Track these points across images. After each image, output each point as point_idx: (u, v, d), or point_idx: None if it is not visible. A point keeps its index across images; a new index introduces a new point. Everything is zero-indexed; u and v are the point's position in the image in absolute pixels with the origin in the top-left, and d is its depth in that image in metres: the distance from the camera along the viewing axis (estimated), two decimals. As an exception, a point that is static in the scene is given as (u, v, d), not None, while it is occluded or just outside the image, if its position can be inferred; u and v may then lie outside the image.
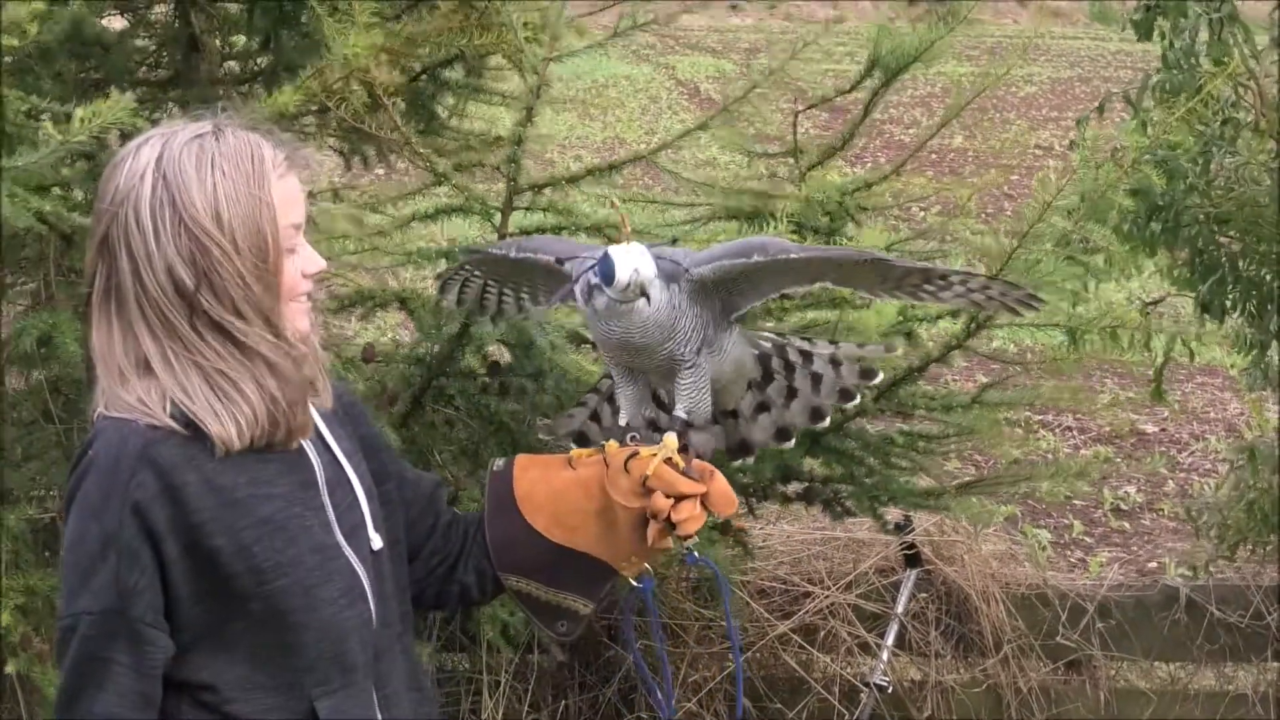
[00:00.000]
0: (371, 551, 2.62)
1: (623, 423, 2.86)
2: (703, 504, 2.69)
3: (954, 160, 15.98)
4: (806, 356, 2.96)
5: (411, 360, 4.11)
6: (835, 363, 2.96)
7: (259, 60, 4.55)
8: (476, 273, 3.14)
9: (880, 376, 3.02)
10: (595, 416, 3.05)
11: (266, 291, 2.46)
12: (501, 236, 4.10)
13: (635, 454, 2.72)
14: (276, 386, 2.46)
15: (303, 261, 2.53)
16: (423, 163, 4.07)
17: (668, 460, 2.68)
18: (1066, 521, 8.17)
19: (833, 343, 3.01)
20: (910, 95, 18.89)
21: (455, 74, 4.70)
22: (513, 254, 2.97)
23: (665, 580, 4.85)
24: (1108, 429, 9.51)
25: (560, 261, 2.83)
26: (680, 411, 2.79)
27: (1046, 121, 20.21)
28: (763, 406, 2.98)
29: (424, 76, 4.45)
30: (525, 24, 4.05)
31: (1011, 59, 4.59)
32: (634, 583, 2.82)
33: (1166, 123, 3.99)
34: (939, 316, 4.40)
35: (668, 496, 2.66)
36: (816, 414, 2.98)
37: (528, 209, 4.16)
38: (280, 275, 2.48)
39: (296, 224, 2.51)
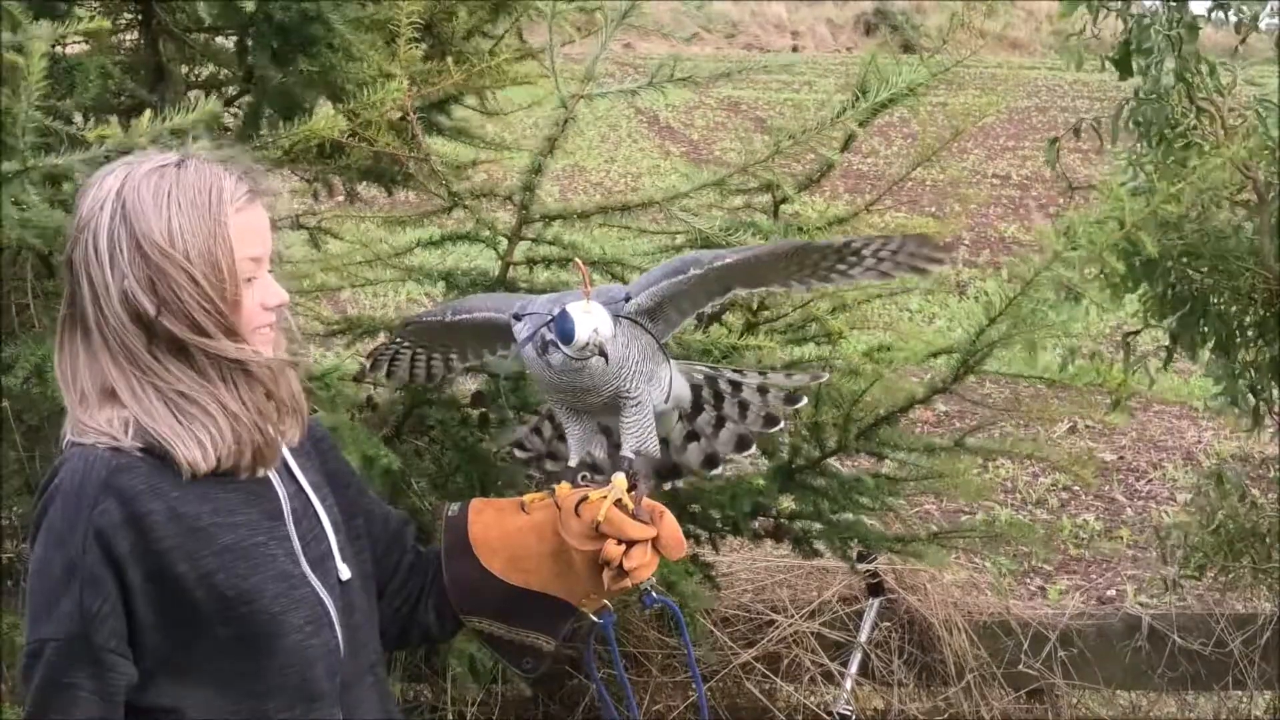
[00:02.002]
0: (339, 581, 2.62)
1: (572, 464, 2.87)
2: (654, 546, 2.69)
3: (912, 190, 16.03)
4: (736, 386, 2.99)
5: (397, 386, 4.12)
6: (763, 390, 2.99)
7: (226, 89, 4.54)
8: (405, 345, 3.19)
9: (804, 402, 3.03)
10: (538, 430, 3.09)
11: (229, 311, 2.48)
12: (507, 266, 4.14)
13: (585, 497, 2.72)
14: (239, 407, 2.47)
15: (262, 293, 2.54)
16: (439, 185, 4.08)
17: (617, 502, 2.69)
18: (1026, 549, 8.19)
19: (762, 373, 3.04)
20: (868, 124, 18.95)
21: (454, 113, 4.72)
22: (448, 318, 3.01)
23: (628, 607, 4.84)
24: (1065, 457, 9.53)
25: (517, 317, 2.84)
26: (628, 450, 2.80)
27: (1004, 151, 20.39)
28: (692, 436, 3.01)
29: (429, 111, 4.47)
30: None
31: (1005, 93, 4.59)
32: (594, 618, 2.82)
33: (1168, 193, 4.01)
34: (927, 356, 4.42)
35: (619, 542, 2.67)
36: (743, 443, 3.00)
37: (535, 240, 4.16)
38: (240, 300, 2.49)
39: (256, 256, 2.52)
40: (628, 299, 2.78)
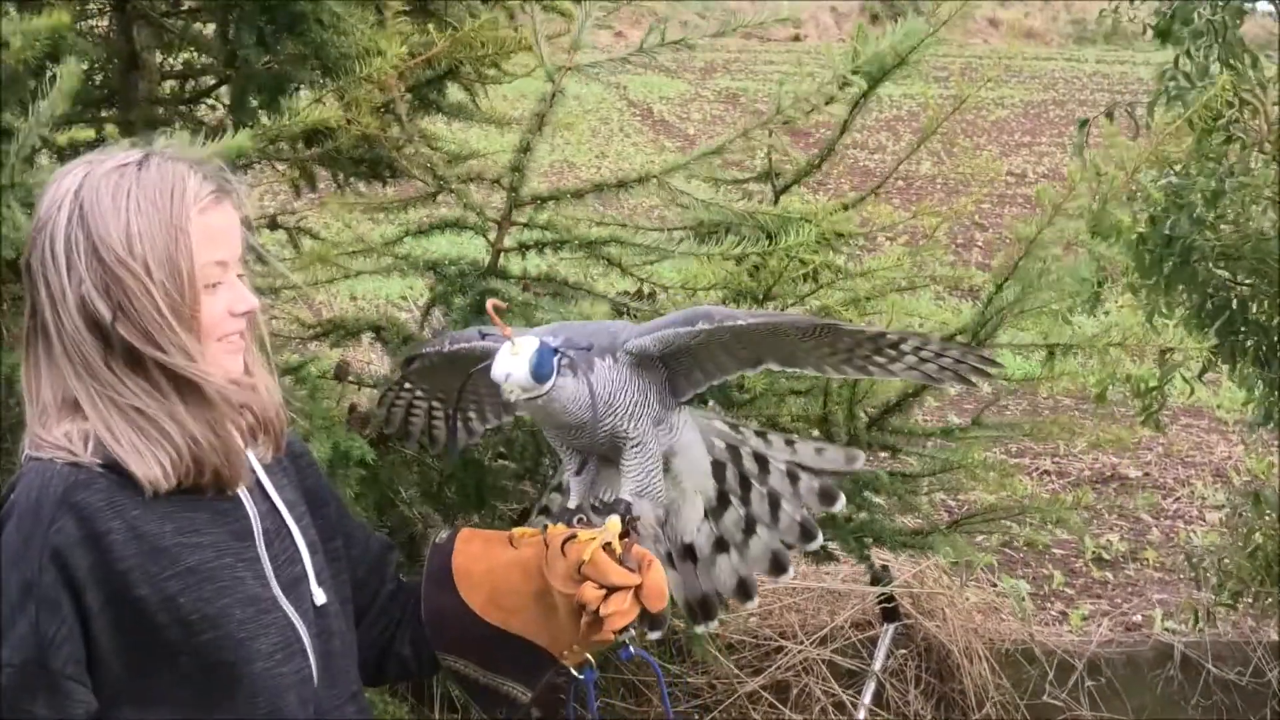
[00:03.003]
0: (314, 606, 2.60)
1: (571, 505, 2.86)
2: (636, 595, 2.66)
3: (922, 187, 16.06)
4: (762, 464, 2.96)
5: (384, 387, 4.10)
6: (793, 477, 2.96)
7: (203, 79, 4.53)
8: (418, 391, 3.20)
9: (842, 503, 3.00)
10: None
11: (183, 326, 2.45)
12: (498, 253, 4.09)
13: (574, 536, 2.70)
14: (197, 426, 2.44)
15: (230, 299, 2.52)
16: (424, 169, 4.06)
17: (606, 545, 2.66)
18: (1046, 572, 8.17)
19: (789, 443, 2.99)
20: (875, 119, 19.00)
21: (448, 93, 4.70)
22: (447, 347, 3.00)
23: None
24: (1087, 473, 9.53)
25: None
26: (627, 494, 2.79)
27: (1019, 147, 20.37)
28: (722, 544, 2.98)
29: (424, 89, 4.45)
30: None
31: (987, 75, 4.53)
32: (575, 673, 2.80)
33: (1167, 127, 4.00)
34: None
35: (600, 587, 2.65)
36: (777, 563, 2.98)
37: (526, 225, 4.13)
38: (198, 312, 2.47)
39: (221, 260, 2.50)
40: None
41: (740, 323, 2.74)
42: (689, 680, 5.12)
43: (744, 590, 2.99)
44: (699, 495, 2.94)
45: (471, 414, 3.21)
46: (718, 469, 2.95)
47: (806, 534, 2.97)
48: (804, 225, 4.17)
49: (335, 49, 3.91)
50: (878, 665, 5.34)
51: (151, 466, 2.41)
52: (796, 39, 35.68)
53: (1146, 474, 9.62)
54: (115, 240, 2.41)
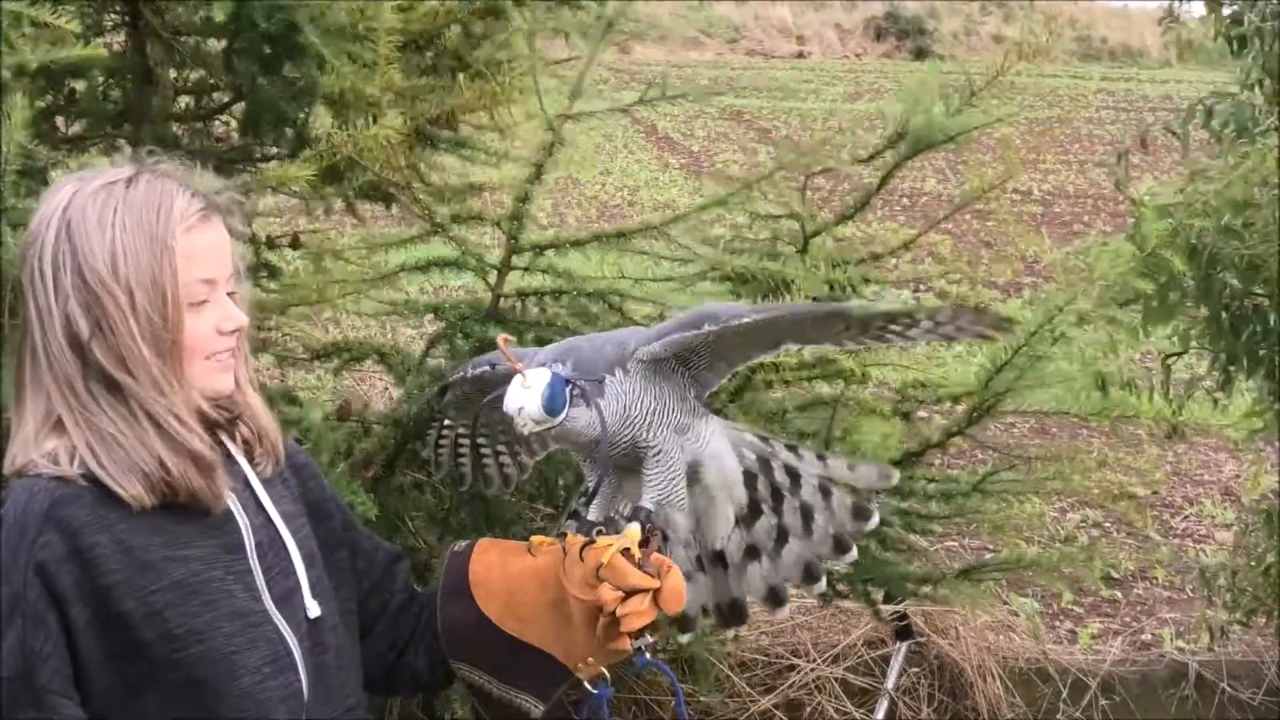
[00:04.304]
0: (308, 620, 2.60)
1: (592, 518, 2.85)
2: (654, 600, 2.66)
3: (927, 205, 16.04)
4: (794, 476, 2.94)
5: (389, 421, 4.07)
6: (825, 491, 2.94)
7: (216, 96, 4.52)
8: (460, 427, 3.19)
9: (876, 520, 2.97)
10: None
11: (158, 354, 2.45)
12: (497, 297, 4.09)
13: (592, 542, 2.70)
14: (165, 453, 2.45)
15: (218, 317, 2.53)
16: (421, 210, 4.05)
17: (625, 552, 2.66)
18: (1055, 590, 8.15)
19: (820, 457, 2.98)
20: (882, 137, 18.95)
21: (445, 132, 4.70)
22: (469, 372, 3.01)
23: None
24: (1095, 491, 9.50)
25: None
26: (647, 502, 2.78)
27: (1024, 164, 20.36)
28: (753, 552, 2.96)
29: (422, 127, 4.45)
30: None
31: (1024, 102, 4.54)
32: (589, 687, 2.79)
33: (1195, 209, 3.99)
34: (939, 400, 4.40)
35: (618, 589, 2.64)
36: (810, 573, 2.95)
37: (526, 269, 4.13)
38: (180, 332, 2.47)
39: (208, 278, 2.50)
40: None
41: (746, 320, 2.72)
42: (700, 699, 5.10)
43: (775, 597, 2.97)
44: (730, 503, 2.93)
45: (519, 448, 3.20)
46: (749, 479, 2.93)
47: (840, 547, 2.94)
48: (835, 271, 4.19)
49: (323, 88, 3.92)
50: (890, 683, 5.33)
51: (134, 485, 2.42)
52: (801, 55, 35.77)
53: (1155, 492, 9.61)
54: (100, 259, 2.42)
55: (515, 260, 4.10)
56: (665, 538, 2.83)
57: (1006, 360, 4.08)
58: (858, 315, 2.78)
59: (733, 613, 2.99)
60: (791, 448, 2.97)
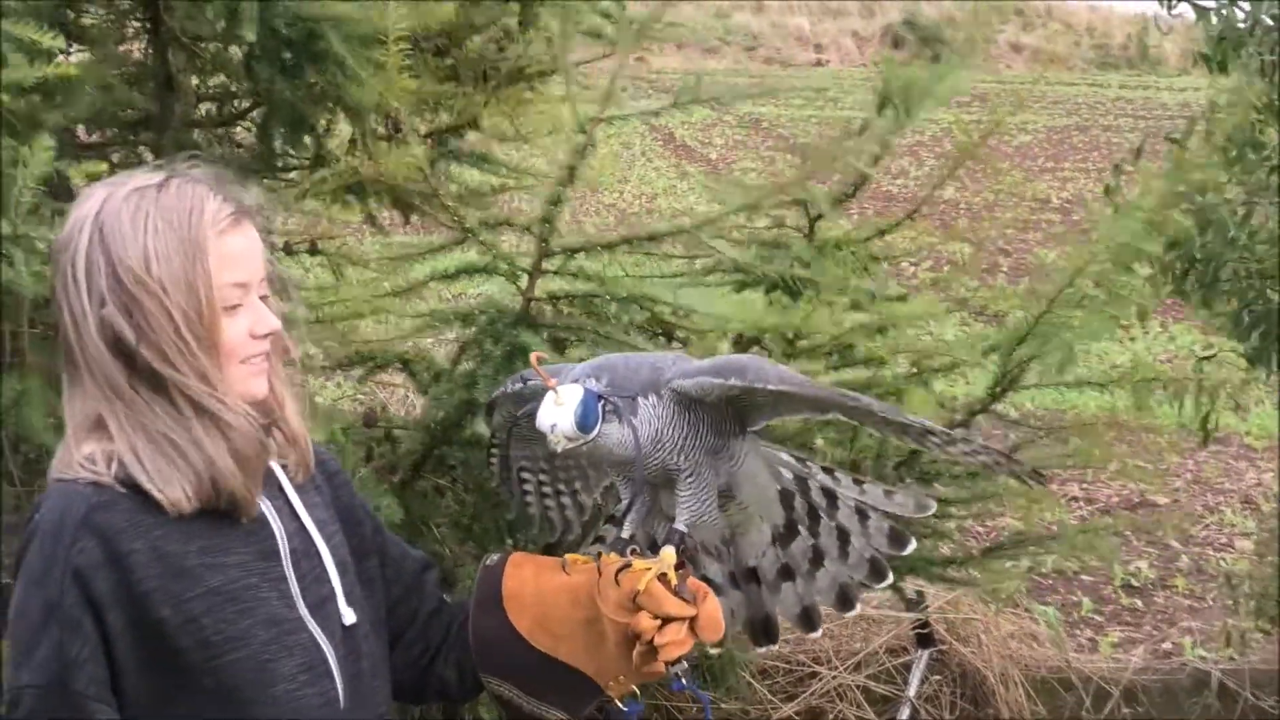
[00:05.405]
0: (343, 627, 2.59)
1: (625, 535, 2.82)
2: (690, 627, 2.63)
3: (945, 212, 16.02)
4: (831, 498, 2.91)
5: (417, 427, 4.06)
6: (862, 515, 2.91)
7: (238, 103, 4.53)
8: (520, 460, 3.15)
9: (913, 546, 2.93)
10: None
11: (201, 348, 2.45)
12: (528, 300, 4.07)
13: (628, 565, 2.68)
14: (214, 450, 2.45)
15: (251, 321, 2.52)
16: (450, 217, 4.04)
17: (662, 576, 2.64)
18: (1075, 598, 8.14)
19: (857, 482, 2.94)
20: (898, 144, 18.95)
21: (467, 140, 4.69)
22: (509, 388, 2.99)
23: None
24: (1115, 499, 9.51)
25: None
26: (680, 524, 2.77)
27: (1043, 172, 20.37)
28: (787, 573, 2.93)
29: (444, 135, 4.45)
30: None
31: (1043, 110, 4.52)
32: (620, 705, 2.76)
33: (1194, 157, 3.97)
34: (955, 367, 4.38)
35: (655, 617, 2.62)
36: (844, 597, 2.91)
37: (557, 273, 4.09)
38: (216, 334, 2.47)
39: (240, 282, 2.50)
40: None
41: (769, 388, 2.70)
42: (722, 706, 5.10)
43: (809, 619, 2.92)
44: (766, 522, 2.91)
45: (577, 484, 3.17)
46: (785, 497, 2.91)
47: (877, 572, 2.90)
48: (839, 253, 4.17)
49: (347, 94, 3.92)
50: (912, 691, 5.33)
51: (174, 488, 2.41)
52: (819, 64, 35.78)
53: (1175, 500, 9.60)
54: (134, 261, 2.42)
55: (545, 265, 4.06)
56: (694, 560, 2.81)
57: (1029, 329, 4.05)
58: (893, 424, 2.77)
59: (765, 630, 2.95)
60: (828, 470, 2.94)
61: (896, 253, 4.69)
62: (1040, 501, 4.89)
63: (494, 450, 3.22)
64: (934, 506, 2.93)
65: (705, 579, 2.78)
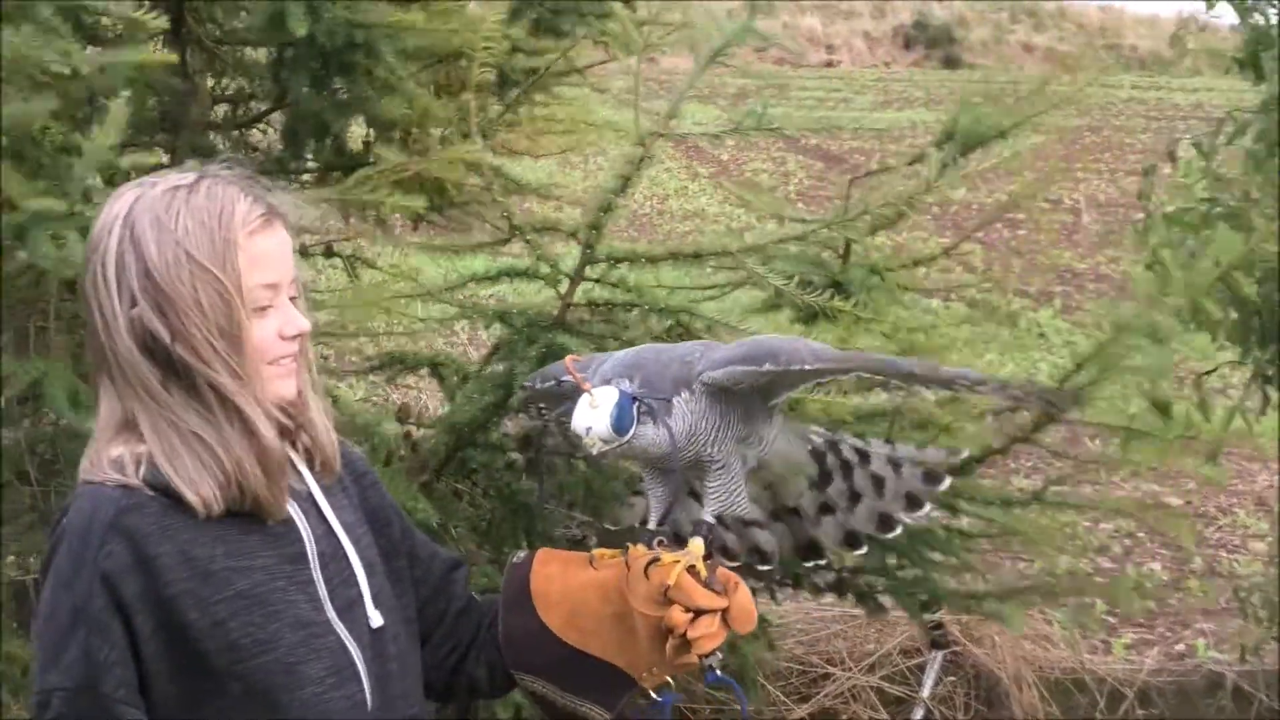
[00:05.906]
0: (370, 629, 2.59)
1: (651, 525, 2.82)
2: (723, 618, 2.63)
3: (958, 214, 15.99)
4: (863, 456, 2.93)
5: (443, 426, 4.07)
6: (895, 464, 2.92)
7: (254, 105, 4.55)
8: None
9: (948, 482, 2.94)
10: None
11: (232, 347, 2.46)
12: (566, 306, 4.08)
13: (657, 559, 2.68)
14: (242, 450, 2.45)
15: (281, 322, 2.53)
16: (501, 215, 4.05)
17: (691, 568, 2.64)
18: (1088, 600, 8.12)
19: (888, 442, 2.97)
20: (909, 145, 18.92)
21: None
22: (538, 385, 3.00)
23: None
24: (1127, 499, 9.48)
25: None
26: (708, 515, 2.77)
27: (1055, 172, 20.31)
28: (826, 508, 2.94)
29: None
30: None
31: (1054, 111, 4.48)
32: (654, 695, 2.75)
33: (1270, 230, 3.96)
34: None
35: (687, 610, 2.62)
36: (885, 522, 2.92)
37: (598, 280, 4.10)
38: (246, 335, 2.47)
39: (270, 283, 2.50)
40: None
41: (807, 368, 2.70)
42: (736, 707, 5.10)
43: (852, 540, 2.94)
44: (801, 475, 2.91)
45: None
46: (818, 456, 2.92)
47: (913, 502, 2.91)
48: (873, 278, 4.17)
49: (382, 108, 3.93)
50: (926, 692, 5.34)
51: (205, 489, 2.41)
52: (830, 64, 35.74)
53: (1188, 502, 9.58)
54: (165, 260, 2.42)
55: (588, 271, 4.07)
56: (726, 549, 2.82)
57: (1082, 362, 4.02)
58: (924, 379, 2.81)
59: (810, 550, 2.96)
60: (859, 436, 2.96)
61: (938, 286, 4.69)
62: (1065, 542, 4.88)
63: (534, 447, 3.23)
64: (965, 452, 2.95)
65: (712, 528, 2.78)
